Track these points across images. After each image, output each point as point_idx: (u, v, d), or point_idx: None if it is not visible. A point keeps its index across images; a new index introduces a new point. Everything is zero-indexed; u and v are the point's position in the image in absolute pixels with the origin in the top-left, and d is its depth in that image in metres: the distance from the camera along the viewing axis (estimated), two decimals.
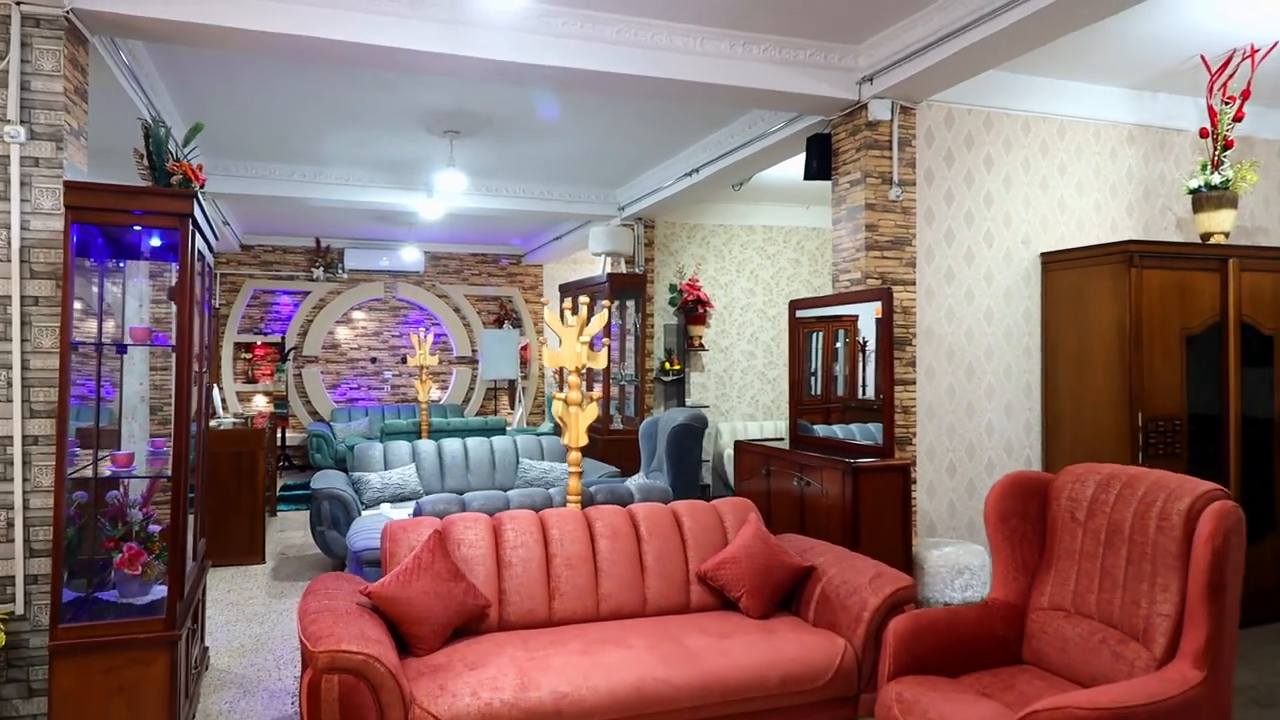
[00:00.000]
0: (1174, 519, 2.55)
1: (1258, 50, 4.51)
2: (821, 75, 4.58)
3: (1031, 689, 2.66)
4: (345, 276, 11.57)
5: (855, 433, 4.69)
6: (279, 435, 10.34)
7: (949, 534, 4.88)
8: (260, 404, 11.19)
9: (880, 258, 4.68)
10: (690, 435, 6.16)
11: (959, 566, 4.21)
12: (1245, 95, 4.72)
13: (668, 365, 8.44)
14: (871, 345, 4.47)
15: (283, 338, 11.37)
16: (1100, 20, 3.73)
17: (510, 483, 6.84)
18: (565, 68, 4.19)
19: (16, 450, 3.33)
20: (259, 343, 11.31)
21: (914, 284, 4.77)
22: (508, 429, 9.35)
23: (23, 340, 3.34)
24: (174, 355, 3.45)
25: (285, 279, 11.39)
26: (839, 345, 4.93)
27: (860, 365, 4.65)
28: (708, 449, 8.19)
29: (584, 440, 4.04)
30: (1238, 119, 4.80)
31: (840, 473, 4.16)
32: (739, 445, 5.27)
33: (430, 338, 9.06)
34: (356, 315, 11.77)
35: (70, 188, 3.16)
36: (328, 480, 6.10)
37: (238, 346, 11.21)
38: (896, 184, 4.68)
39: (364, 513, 5.86)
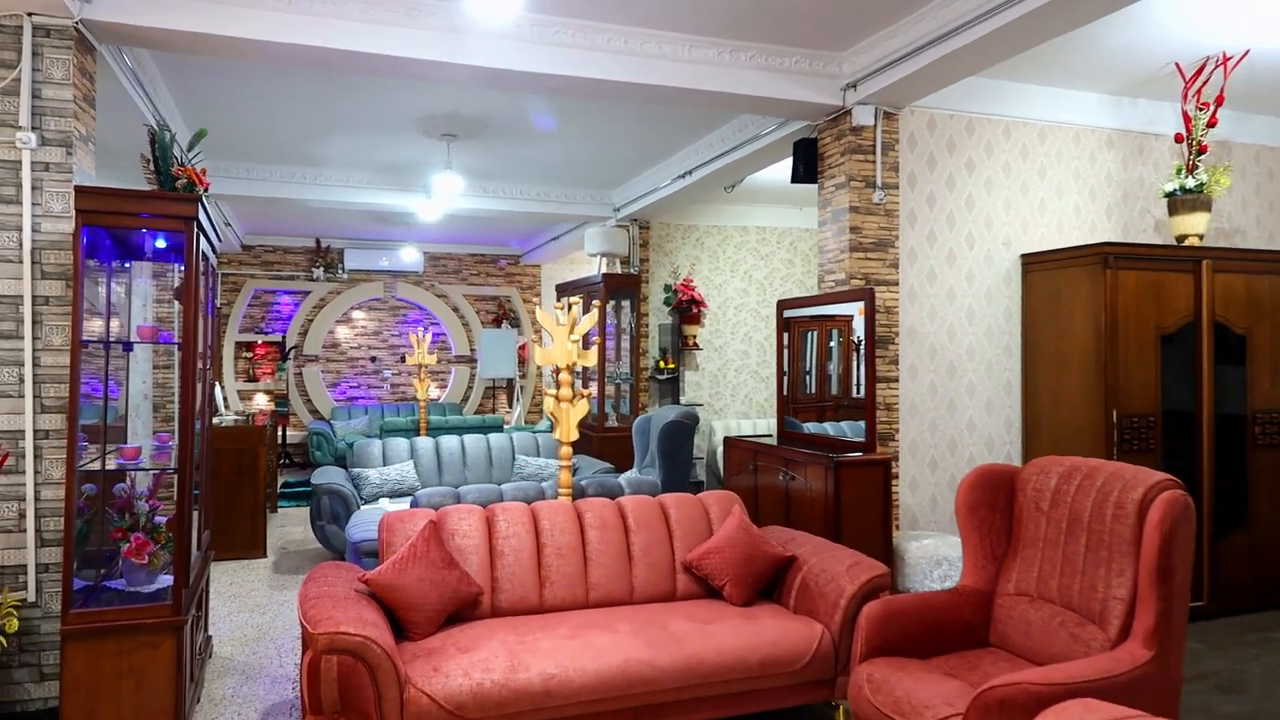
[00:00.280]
0: (1128, 508, 2.69)
1: (1230, 58, 4.65)
2: (807, 82, 4.72)
3: (995, 669, 2.80)
4: (345, 276, 11.71)
5: (846, 430, 4.82)
6: (280, 433, 10.49)
7: (931, 527, 5.02)
8: (261, 402, 11.33)
9: (864, 259, 4.82)
10: (681, 432, 6.30)
11: (937, 558, 4.35)
12: (1219, 101, 4.86)
13: (662, 364, 8.59)
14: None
15: (283, 337, 11.52)
16: (1073, 30, 3.86)
17: (506, 479, 6.98)
18: (559, 75, 4.33)
19: (28, 444, 3.47)
20: (260, 342, 11.45)
21: (897, 284, 4.91)
22: (505, 427, 9.48)
23: (34, 338, 3.48)
24: (179, 353, 3.58)
25: (286, 279, 11.54)
26: (833, 344, 5.06)
27: (854, 364, 4.78)
28: (702, 446, 8.34)
29: (575, 435, 4.17)
30: (1211, 125, 4.95)
31: (823, 467, 4.30)
32: (728, 441, 5.41)
33: (429, 337, 9.20)
34: (356, 315, 11.92)
35: (81, 192, 3.30)
36: (328, 476, 6.25)
37: (239, 345, 11.35)
38: (880, 187, 4.82)
39: (363, 507, 6.00)
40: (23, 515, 3.47)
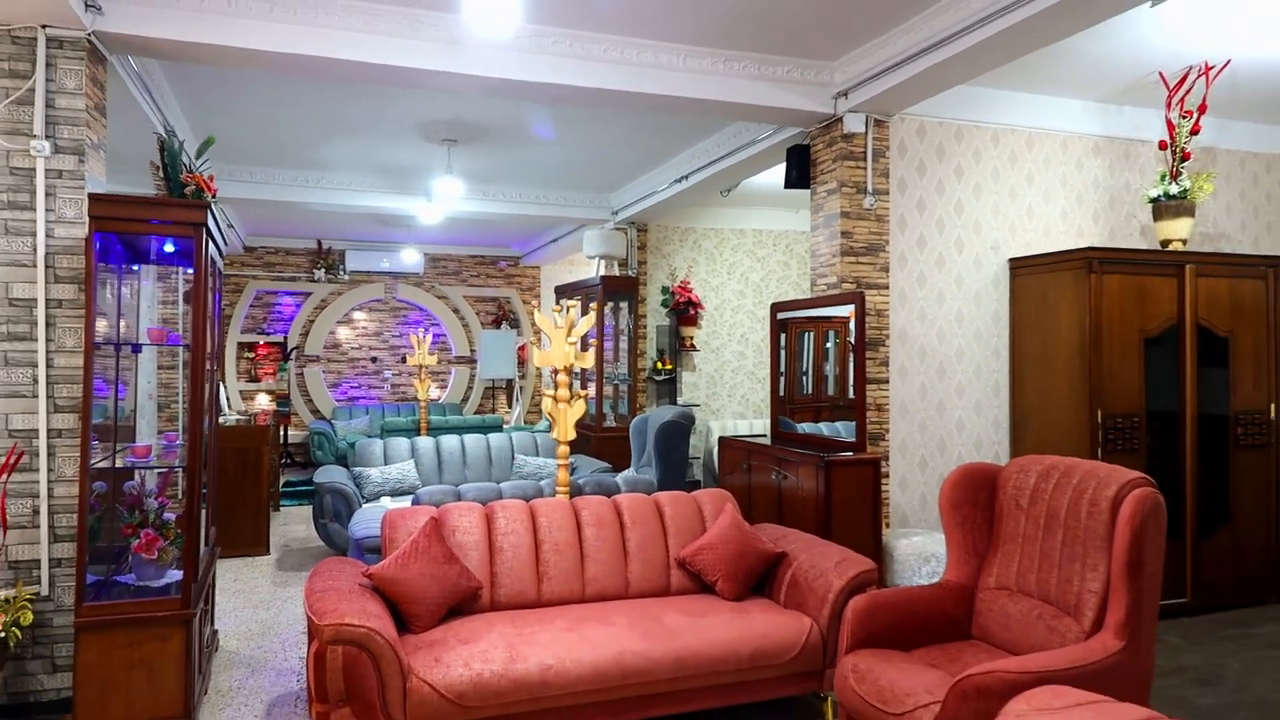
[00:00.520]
0: (1102, 504, 2.80)
1: (1211, 68, 4.77)
2: (799, 90, 4.83)
3: (975, 660, 2.90)
4: (346, 277, 11.82)
5: (840, 430, 4.93)
6: (282, 433, 10.59)
7: (920, 525, 5.13)
8: (263, 402, 11.44)
9: (855, 263, 4.93)
10: (677, 432, 6.41)
11: (926, 554, 4.46)
12: (1202, 109, 4.97)
13: (660, 365, 8.70)
14: None
15: (285, 337, 11.63)
16: (1059, 40, 3.97)
17: (505, 477, 7.08)
18: (558, 84, 4.44)
19: (42, 443, 3.58)
20: (262, 342, 11.56)
21: (888, 288, 5.02)
22: (504, 427, 9.59)
23: (47, 340, 3.59)
24: (189, 355, 3.69)
25: (288, 280, 11.65)
26: (829, 346, 5.17)
27: (850, 365, 4.87)
28: (699, 446, 8.46)
29: (572, 435, 4.28)
30: (1195, 132, 5.06)
31: (814, 467, 4.41)
32: (723, 441, 5.52)
33: (429, 338, 9.30)
34: (357, 315, 12.03)
35: (94, 199, 3.40)
36: (330, 475, 6.36)
37: (241, 346, 11.45)
38: (871, 193, 4.93)
39: (364, 505, 6.11)
40: (37, 511, 3.58)
